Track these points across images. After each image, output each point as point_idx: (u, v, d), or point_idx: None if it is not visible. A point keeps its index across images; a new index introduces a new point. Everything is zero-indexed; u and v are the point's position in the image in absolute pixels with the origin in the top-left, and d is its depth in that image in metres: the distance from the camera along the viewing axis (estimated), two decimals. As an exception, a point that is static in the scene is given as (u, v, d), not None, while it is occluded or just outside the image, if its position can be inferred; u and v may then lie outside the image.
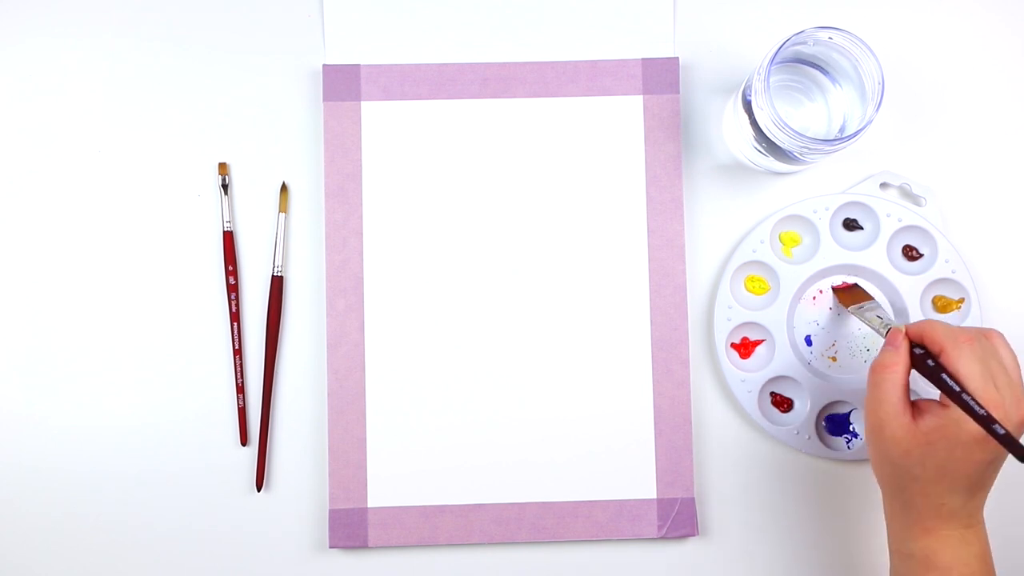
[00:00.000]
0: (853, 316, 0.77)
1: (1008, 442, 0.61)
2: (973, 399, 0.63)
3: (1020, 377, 0.67)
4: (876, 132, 0.81)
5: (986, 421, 0.62)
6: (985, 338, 0.67)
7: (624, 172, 0.81)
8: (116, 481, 0.79)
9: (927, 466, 0.65)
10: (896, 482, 0.68)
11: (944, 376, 0.65)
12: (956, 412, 0.64)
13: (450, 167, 0.81)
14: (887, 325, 0.71)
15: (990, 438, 0.63)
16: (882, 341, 0.71)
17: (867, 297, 0.79)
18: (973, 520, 0.68)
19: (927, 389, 0.71)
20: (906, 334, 0.68)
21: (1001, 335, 0.68)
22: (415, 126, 0.81)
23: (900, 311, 0.80)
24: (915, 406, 0.67)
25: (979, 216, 0.82)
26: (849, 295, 0.79)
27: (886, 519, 0.70)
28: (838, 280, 0.81)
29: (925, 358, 0.67)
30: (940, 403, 0.66)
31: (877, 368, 0.67)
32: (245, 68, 0.82)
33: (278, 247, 0.80)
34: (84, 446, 0.79)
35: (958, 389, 0.64)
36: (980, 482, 0.66)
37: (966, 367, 0.65)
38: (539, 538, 0.79)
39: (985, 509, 0.69)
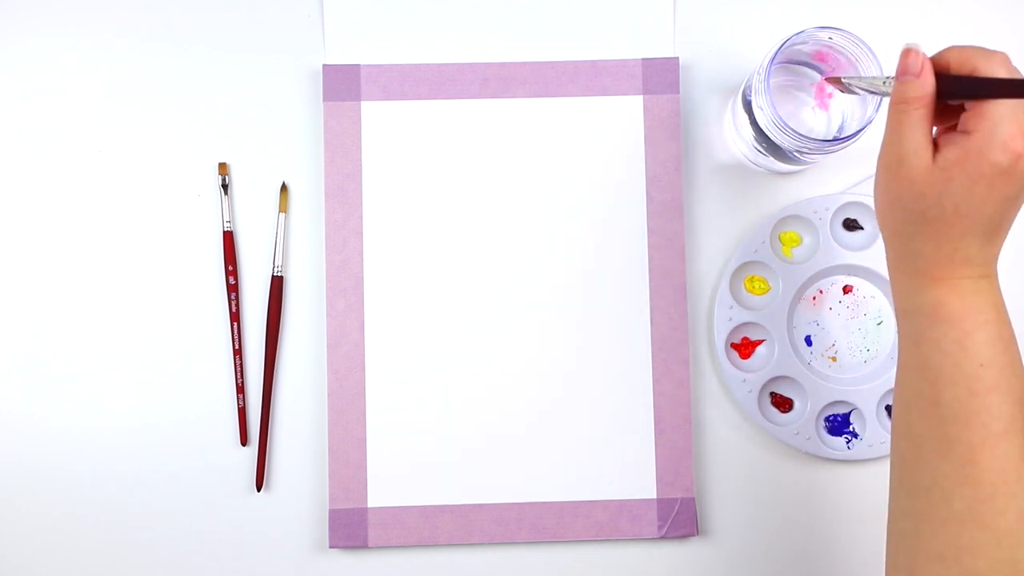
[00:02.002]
0: (857, 90, 0.69)
1: None
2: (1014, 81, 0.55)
3: None
4: (876, 132, 0.81)
5: None
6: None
7: (624, 172, 0.81)
8: (116, 481, 0.79)
9: (944, 206, 0.57)
10: (905, 228, 0.60)
11: (975, 77, 0.56)
12: (980, 139, 0.56)
13: (450, 167, 0.81)
14: (889, 77, 0.62)
15: (1016, 168, 0.55)
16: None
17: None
18: (988, 269, 0.60)
19: None
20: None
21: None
22: (415, 126, 0.81)
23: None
24: (934, 142, 0.59)
25: (979, 216, 0.81)
26: (838, 80, 0.71)
27: (890, 274, 0.63)
28: (839, 285, 0.80)
29: (951, 75, 0.58)
30: (961, 131, 0.57)
31: (900, 100, 0.58)
32: (245, 68, 0.82)
33: (278, 247, 0.80)
34: (84, 446, 0.79)
35: (992, 78, 0.55)
36: (998, 224, 0.58)
37: (1003, 71, 0.56)
38: (539, 538, 0.79)
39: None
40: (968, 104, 0.57)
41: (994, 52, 0.57)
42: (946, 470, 0.58)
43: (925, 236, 0.59)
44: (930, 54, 0.59)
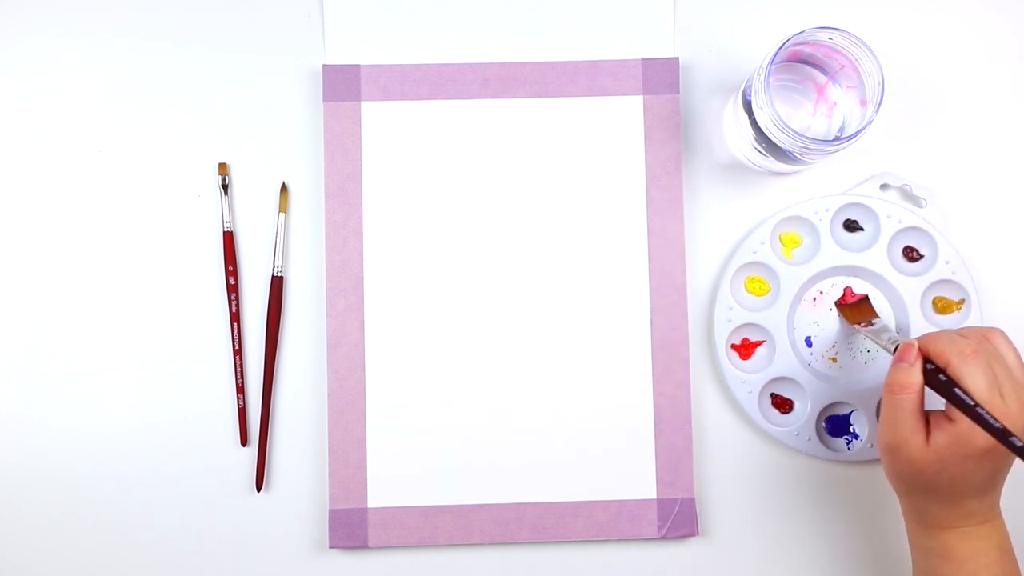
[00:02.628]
0: (864, 335, 0.77)
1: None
2: (987, 412, 0.63)
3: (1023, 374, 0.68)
4: (876, 133, 0.81)
5: (1002, 435, 0.62)
6: (987, 340, 0.67)
7: (624, 172, 0.81)
8: (116, 481, 0.79)
9: (941, 480, 0.66)
10: (911, 494, 0.69)
11: (957, 391, 0.64)
12: (964, 425, 0.64)
13: (450, 167, 0.81)
14: (895, 341, 0.71)
15: (999, 447, 0.63)
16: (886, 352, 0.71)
17: (873, 314, 0.79)
18: (990, 515, 0.68)
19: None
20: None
21: (1001, 333, 0.68)
22: (415, 126, 0.81)
23: (901, 312, 0.80)
24: (931, 422, 0.67)
25: (979, 217, 0.81)
26: (855, 311, 0.79)
27: (904, 518, 0.71)
28: (839, 286, 0.80)
29: (936, 373, 0.66)
30: (947, 417, 0.66)
31: (894, 388, 0.67)
32: (245, 68, 0.82)
33: (278, 247, 0.80)
34: (84, 446, 0.79)
35: (972, 403, 0.63)
36: (992, 484, 0.67)
37: (973, 382, 0.64)
38: (539, 538, 0.79)
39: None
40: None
41: (968, 355, 0.65)
42: None
43: (930, 500, 0.68)
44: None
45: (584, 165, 0.81)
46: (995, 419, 0.62)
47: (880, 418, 0.68)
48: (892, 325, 0.80)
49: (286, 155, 0.81)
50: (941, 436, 0.65)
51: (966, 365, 0.65)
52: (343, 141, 0.80)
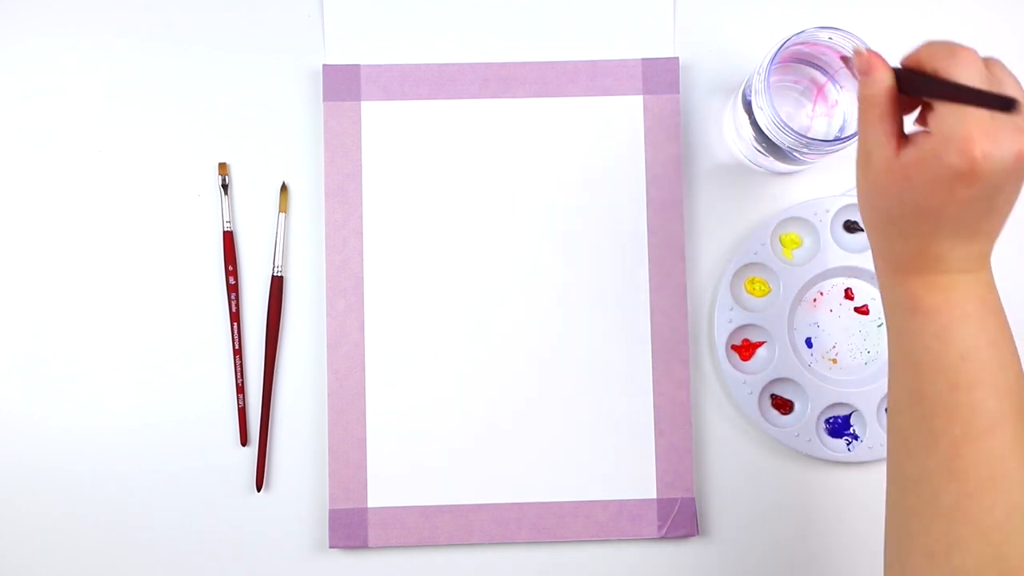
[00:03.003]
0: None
1: (986, 99, 0.53)
2: (966, 87, 0.54)
3: None
4: (877, 133, 0.81)
5: (980, 97, 0.53)
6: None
7: (624, 172, 0.81)
8: (116, 481, 0.79)
9: (905, 203, 0.57)
10: (877, 223, 0.60)
11: (923, 75, 0.56)
12: (936, 141, 0.55)
13: (450, 167, 0.81)
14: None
15: (973, 172, 0.53)
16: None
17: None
18: (969, 265, 0.59)
19: None
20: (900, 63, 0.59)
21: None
22: (415, 126, 0.81)
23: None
24: (902, 138, 0.58)
25: (980, 217, 0.81)
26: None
27: (875, 266, 0.63)
28: (840, 287, 0.80)
29: (903, 70, 0.57)
30: (924, 131, 0.56)
31: (860, 100, 0.59)
32: (245, 68, 0.82)
33: (278, 247, 0.80)
34: (84, 446, 0.79)
35: (939, 79, 0.55)
36: (972, 225, 0.57)
37: (966, 73, 0.55)
38: (539, 538, 0.79)
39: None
40: (934, 103, 0.56)
41: (959, 49, 0.56)
42: (932, 465, 0.58)
43: (895, 233, 0.59)
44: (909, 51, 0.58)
45: (584, 165, 0.81)
46: (974, 90, 0.54)
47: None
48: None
49: (286, 155, 0.81)
50: (912, 151, 0.56)
51: (957, 60, 0.55)
52: (343, 141, 0.80)
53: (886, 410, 0.79)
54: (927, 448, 0.58)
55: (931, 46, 0.57)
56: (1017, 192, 0.57)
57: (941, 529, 0.58)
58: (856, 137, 0.72)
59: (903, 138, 0.58)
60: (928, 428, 0.58)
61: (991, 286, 0.60)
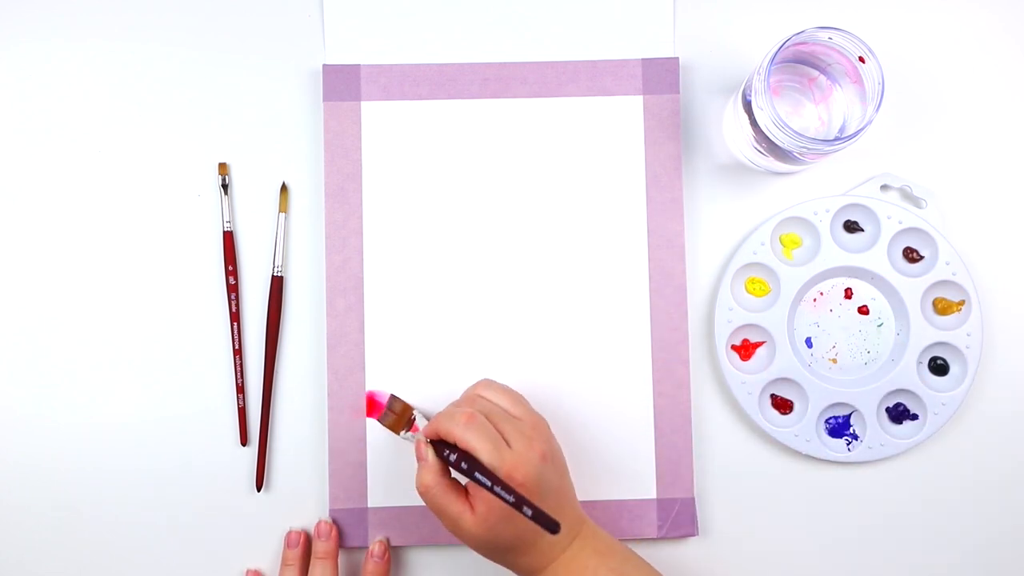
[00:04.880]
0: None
1: (539, 519, 0.63)
2: (501, 487, 0.64)
3: (525, 410, 0.71)
4: (876, 133, 0.81)
5: (518, 507, 0.64)
6: (479, 397, 0.72)
7: (624, 172, 0.81)
8: (116, 481, 0.79)
9: (504, 539, 0.69)
10: (497, 558, 0.71)
11: (474, 472, 0.66)
12: (484, 494, 0.67)
13: (450, 167, 0.81)
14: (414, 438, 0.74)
15: (525, 491, 0.66)
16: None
17: (407, 410, 0.78)
18: (573, 534, 0.70)
19: None
20: (429, 440, 0.71)
21: (488, 381, 0.73)
22: (415, 126, 0.81)
23: (901, 314, 0.80)
24: (470, 492, 0.69)
25: (980, 218, 0.81)
26: (397, 420, 0.78)
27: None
28: (840, 287, 0.80)
29: (450, 455, 0.69)
30: (474, 490, 0.69)
31: (420, 489, 0.70)
32: (245, 68, 0.82)
33: (278, 247, 0.80)
34: (84, 446, 0.79)
35: (489, 484, 0.65)
36: (556, 512, 0.68)
37: (478, 445, 0.67)
38: (539, 538, 0.79)
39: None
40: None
41: (461, 418, 0.68)
42: None
43: (512, 555, 0.69)
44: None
45: (584, 165, 0.81)
46: (507, 492, 0.64)
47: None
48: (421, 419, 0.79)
49: (286, 155, 0.81)
50: (481, 505, 0.68)
51: (467, 432, 0.67)
52: (343, 141, 0.80)
53: (888, 413, 0.79)
54: None
55: (439, 422, 0.70)
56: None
57: None
58: (857, 137, 0.72)
59: (467, 495, 0.70)
60: None
61: (596, 534, 0.71)
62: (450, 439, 0.68)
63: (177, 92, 0.82)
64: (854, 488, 0.80)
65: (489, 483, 0.65)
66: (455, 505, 0.69)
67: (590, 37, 0.82)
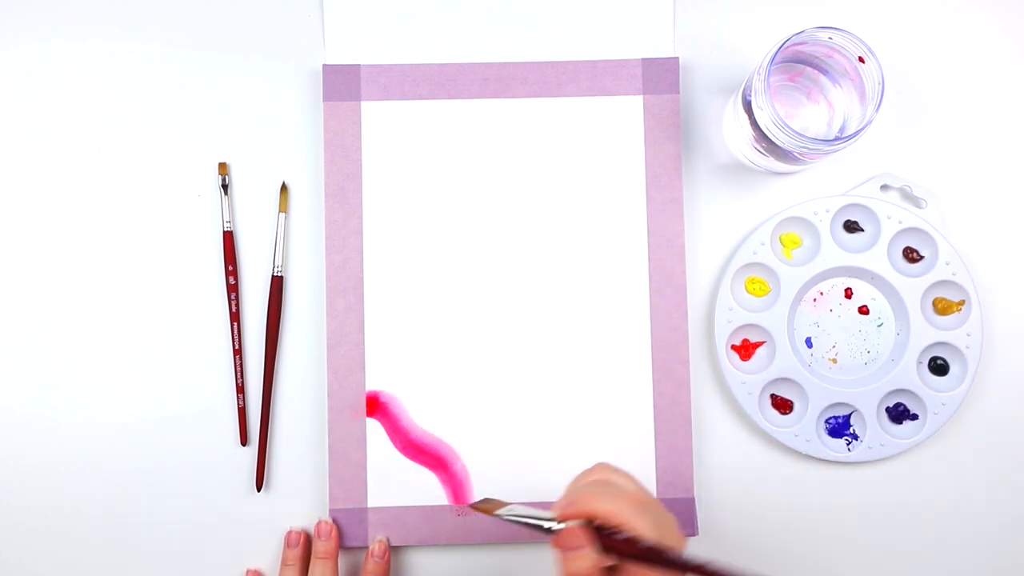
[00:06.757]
0: (512, 519, 0.70)
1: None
2: (676, 558, 0.61)
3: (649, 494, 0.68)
4: (876, 133, 0.81)
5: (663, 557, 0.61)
6: (608, 482, 0.67)
7: (624, 172, 0.81)
8: (116, 481, 0.79)
9: None
10: None
11: (638, 545, 0.62)
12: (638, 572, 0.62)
13: (450, 167, 0.81)
14: (550, 519, 0.65)
15: None
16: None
17: (501, 503, 0.73)
18: None
19: None
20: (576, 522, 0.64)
21: (604, 465, 0.68)
22: (415, 126, 0.81)
23: (901, 314, 0.80)
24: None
25: (980, 218, 0.81)
26: (488, 506, 0.71)
27: None
28: (840, 287, 0.80)
29: (610, 535, 0.63)
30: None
31: (571, 574, 0.63)
32: (245, 68, 0.82)
33: (278, 247, 0.80)
34: (84, 446, 0.79)
35: (664, 556, 0.61)
36: None
37: (643, 528, 0.62)
38: (539, 537, 0.78)
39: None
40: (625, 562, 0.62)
41: (628, 499, 0.63)
42: None
43: None
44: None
45: (584, 165, 0.81)
46: (680, 560, 0.61)
47: None
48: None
49: (286, 155, 0.81)
50: None
51: (636, 517, 0.62)
52: (343, 141, 0.80)
53: (888, 413, 0.79)
54: None
55: (607, 499, 0.63)
56: None
57: None
58: (857, 137, 0.72)
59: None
60: None
61: None
62: (615, 520, 0.63)
63: (177, 92, 0.82)
64: (854, 488, 0.80)
65: (664, 556, 0.61)
66: None
67: (590, 37, 0.82)
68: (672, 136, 0.81)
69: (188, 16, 0.82)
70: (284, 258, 0.81)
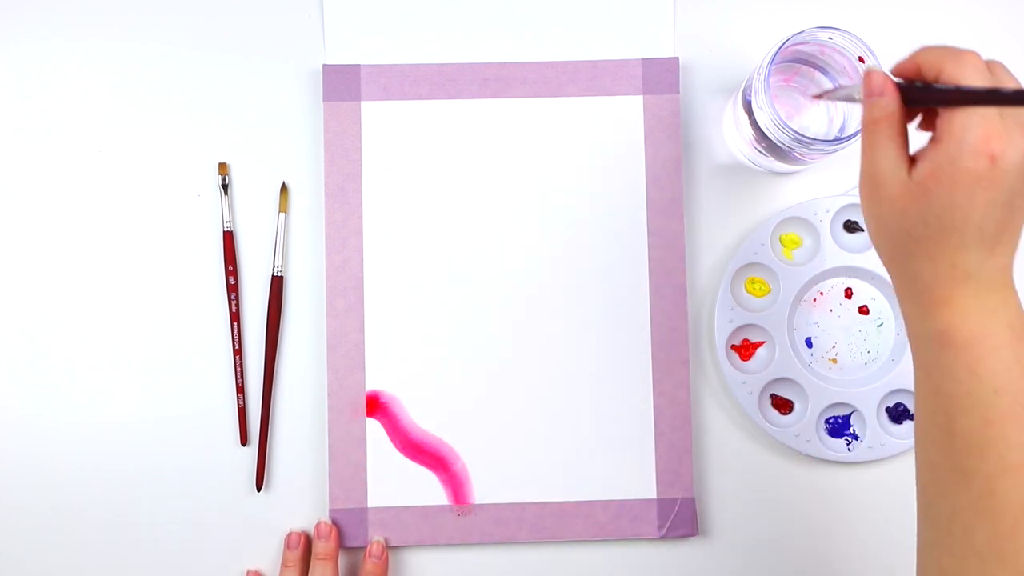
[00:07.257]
0: (838, 101, 0.67)
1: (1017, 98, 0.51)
2: (979, 90, 0.52)
3: None
4: (877, 133, 0.81)
5: (988, 96, 0.52)
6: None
7: (624, 172, 0.81)
8: (116, 481, 0.79)
9: (928, 221, 0.54)
10: (898, 250, 0.57)
11: (936, 87, 0.54)
12: (951, 147, 0.53)
13: (450, 167, 0.81)
14: (858, 86, 0.59)
15: (991, 173, 0.52)
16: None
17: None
18: (996, 283, 0.55)
19: None
20: (892, 72, 0.57)
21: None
22: (415, 126, 0.81)
23: (901, 314, 0.80)
24: (918, 155, 0.56)
25: (980, 217, 0.81)
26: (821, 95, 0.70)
27: (898, 301, 0.59)
28: (840, 287, 0.80)
29: (913, 86, 0.55)
30: (932, 141, 0.55)
31: (868, 124, 0.56)
32: (245, 68, 0.82)
33: (278, 247, 0.80)
34: (84, 446, 0.79)
35: (953, 87, 0.53)
36: (996, 233, 0.54)
37: (973, 76, 0.53)
38: (539, 538, 0.79)
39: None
40: (940, 109, 0.54)
41: (963, 53, 0.55)
42: (965, 502, 0.55)
43: (919, 256, 0.56)
44: (905, 55, 0.58)
45: (584, 165, 0.81)
46: (979, 90, 0.52)
47: (860, 161, 0.58)
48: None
49: (286, 155, 0.81)
50: (925, 164, 0.54)
51: (963, 63, 0.54)
52: (343, 141, 0.80)
53: (888, 414, 0.79)
54: (959, 485, 0.56)
55: (930, 52, 0.56)
56: None
57: (974, 568, 0.55)
58: (857, 137, 0.72)
59: (910, 155, 0.56)
60: (961, 465, 0.55)
61: (1019, 310, 0.56)
62: (932, 73, 0.55)
63: (177, 92, 0.82)
64: (854, 488, 0.80)
65: (957, 88, 0.53)
66: (896, 155, 0.55)
67: (590, 37, 0.82)
68: (672, 136, 0.81)
69: (188, 16, 0.82)
70: (284, 258, 0.81)
